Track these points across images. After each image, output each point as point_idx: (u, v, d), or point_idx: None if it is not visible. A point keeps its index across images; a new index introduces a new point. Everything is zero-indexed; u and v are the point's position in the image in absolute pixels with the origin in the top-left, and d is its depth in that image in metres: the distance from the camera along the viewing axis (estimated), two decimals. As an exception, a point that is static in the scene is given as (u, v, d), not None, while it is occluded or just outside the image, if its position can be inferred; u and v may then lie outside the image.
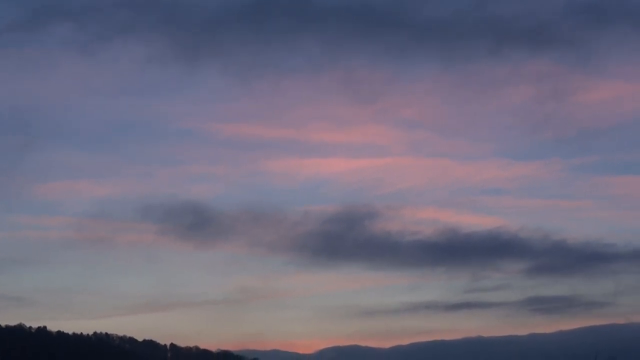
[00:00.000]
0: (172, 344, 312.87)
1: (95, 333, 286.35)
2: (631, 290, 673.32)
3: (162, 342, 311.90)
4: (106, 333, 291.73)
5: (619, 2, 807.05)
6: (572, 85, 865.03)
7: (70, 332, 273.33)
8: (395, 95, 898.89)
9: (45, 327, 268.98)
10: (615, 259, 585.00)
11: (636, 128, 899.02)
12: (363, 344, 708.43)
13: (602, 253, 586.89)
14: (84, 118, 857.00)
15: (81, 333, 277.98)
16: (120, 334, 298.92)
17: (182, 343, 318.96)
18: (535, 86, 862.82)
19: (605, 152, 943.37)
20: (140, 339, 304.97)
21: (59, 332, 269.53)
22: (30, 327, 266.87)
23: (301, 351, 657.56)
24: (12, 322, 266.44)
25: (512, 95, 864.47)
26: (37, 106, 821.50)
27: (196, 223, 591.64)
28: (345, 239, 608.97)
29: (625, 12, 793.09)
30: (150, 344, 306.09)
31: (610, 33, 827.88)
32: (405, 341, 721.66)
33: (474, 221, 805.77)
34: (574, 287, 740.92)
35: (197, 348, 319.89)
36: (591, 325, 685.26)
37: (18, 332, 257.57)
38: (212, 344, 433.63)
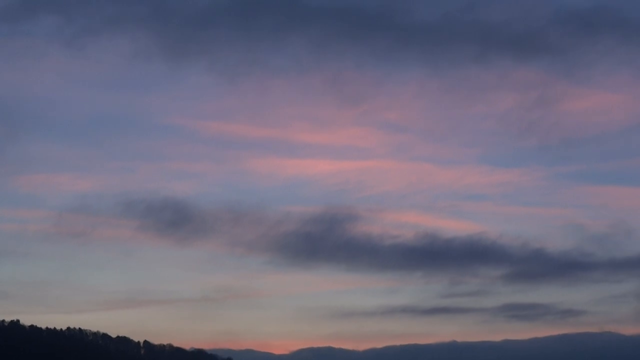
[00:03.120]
0: (145, 341, 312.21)
1: (68, 328, 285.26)
2: (606, 299, 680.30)
3: (135, 339, 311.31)
4: (79, 328, 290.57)
5: (607, 12, 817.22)
6: (557, 93, 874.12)
7: (44, 327, 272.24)
8: (380, 98, 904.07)
9: (18, 321, 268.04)
10: (593, 269, 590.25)
11: (619, 138, 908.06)
12: (338, 345, 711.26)
13: (580, 262, 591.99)
14: (68, 111, 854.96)
15: (54, 328, 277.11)
16: (94, 329, 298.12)
17: (155, 340, 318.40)
18: (521, 93, 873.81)
19: (587, 161, 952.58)
20: (113, 335, 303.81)
21: (32, 326, 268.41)
22: (3, 321, 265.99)
23: (276, 352, 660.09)
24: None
25: (497, 101, 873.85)
26: (20, 97, 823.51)
27: (176, 220, 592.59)
28: (325, 240, 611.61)
29: (613, 22, 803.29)
30: (123, 341, 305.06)
31: (597, 43, 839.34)
32: (379, 344, 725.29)
33: (454, 226, 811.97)
34: (551, 295, 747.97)
35: (170, 346, 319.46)
36: (565, 333, 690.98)
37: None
38: (186, 342, 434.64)
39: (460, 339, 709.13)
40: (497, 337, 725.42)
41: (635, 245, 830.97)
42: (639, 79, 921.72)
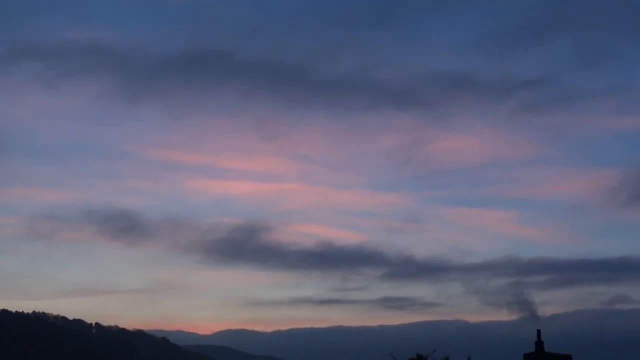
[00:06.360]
0: (97, 323, 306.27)
1: (34, 312, 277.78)
2: (458, 295, 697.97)
3: (88, 321, 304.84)
4: (43, 312, 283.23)
5: (467, 76, 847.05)
6: (427, 136, 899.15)
7: (14, 311, 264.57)
8: (293, 136, 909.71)
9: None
10: (450, 271, 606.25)
11: (473, 172, 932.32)
12: (250, 328, 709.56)
13: (440, 266, 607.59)
14: (43, 138, 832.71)
15: (22, 312, 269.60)
16: (55, 313, 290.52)
17: (105, 322, 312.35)
18: (400, 135, 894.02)
19: (449, 188, 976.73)
20: (70, 318, 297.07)
21: (3, 310, 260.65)
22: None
23: (201, 332, 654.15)
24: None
25: (382, 141, 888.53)
26: (4, 126, 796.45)
27: (127, 227, 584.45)
28: (245, 245, 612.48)
29: (471, 84, 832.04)
30: (78, 323, 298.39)
31: (458, 99, 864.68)
32: (284, 327, 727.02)
33: (345, 236, 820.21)
34: (417, 291, 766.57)
35: (117, 327, 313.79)
36: (427, 320, 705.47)
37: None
38: (130, 324, 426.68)
39: (346, 323, 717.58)
40: (374, 322, 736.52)
41: (482, 253, 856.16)
42: (488, 128, 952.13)
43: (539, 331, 48.68)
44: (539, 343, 48.17)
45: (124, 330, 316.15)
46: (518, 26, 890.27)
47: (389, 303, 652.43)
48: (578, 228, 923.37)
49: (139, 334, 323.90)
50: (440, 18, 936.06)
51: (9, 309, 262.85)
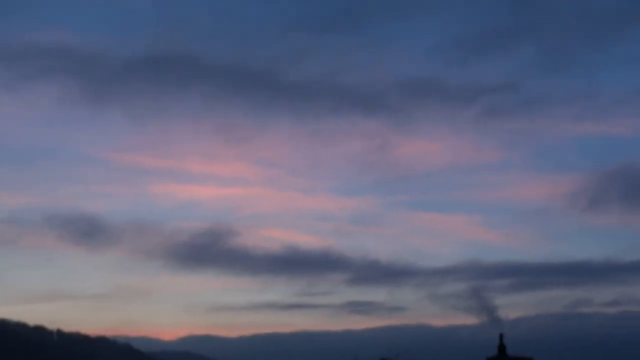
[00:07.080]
0: (58, 329, 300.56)
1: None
2: (422, 299, 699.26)
3: (50, 328, 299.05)
4: (3, 318, 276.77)
5: (432, 81, 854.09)
6: (392, 141, 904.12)
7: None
8: (258, 140, 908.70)
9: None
10: (415, 275, 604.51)
11: (437, 176, 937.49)
12: (215, 333, 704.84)
13: (405, 270, 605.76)
14: (3, 141, 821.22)
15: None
16: (16, 319, 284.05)
17: (67, 329, 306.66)
18: (365, 140, 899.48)
19: (413, 193, 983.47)
20: (31, 324, 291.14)
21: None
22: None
23: (165, 338, 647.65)
24: None
25: (347, 146, 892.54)
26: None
27: (90, 231, 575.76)
28: (210, 250, 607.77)
29: (436, 89, 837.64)
30: (39, 329, 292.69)
31: (424, 105, 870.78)
32: (248, 332, 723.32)
33: (310, 241, 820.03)
34: (382, 295, 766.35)
35: (79, 333, 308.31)
36: (391, 324, 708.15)
37: None
38: (92, 330, 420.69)
39: (311, 328, 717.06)
40: (339, 327, 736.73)
41: (446, 257, 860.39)
42: (453, 133, 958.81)
43: (501, 335, 48.95)
44: (502, 346, 48.43)
45: (86, 336, 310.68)
46: (482, 33, 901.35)
47: (354, 307, 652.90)
48: (540, 232, 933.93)
49: (101, 340, 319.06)
50: (406, 24, 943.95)
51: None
